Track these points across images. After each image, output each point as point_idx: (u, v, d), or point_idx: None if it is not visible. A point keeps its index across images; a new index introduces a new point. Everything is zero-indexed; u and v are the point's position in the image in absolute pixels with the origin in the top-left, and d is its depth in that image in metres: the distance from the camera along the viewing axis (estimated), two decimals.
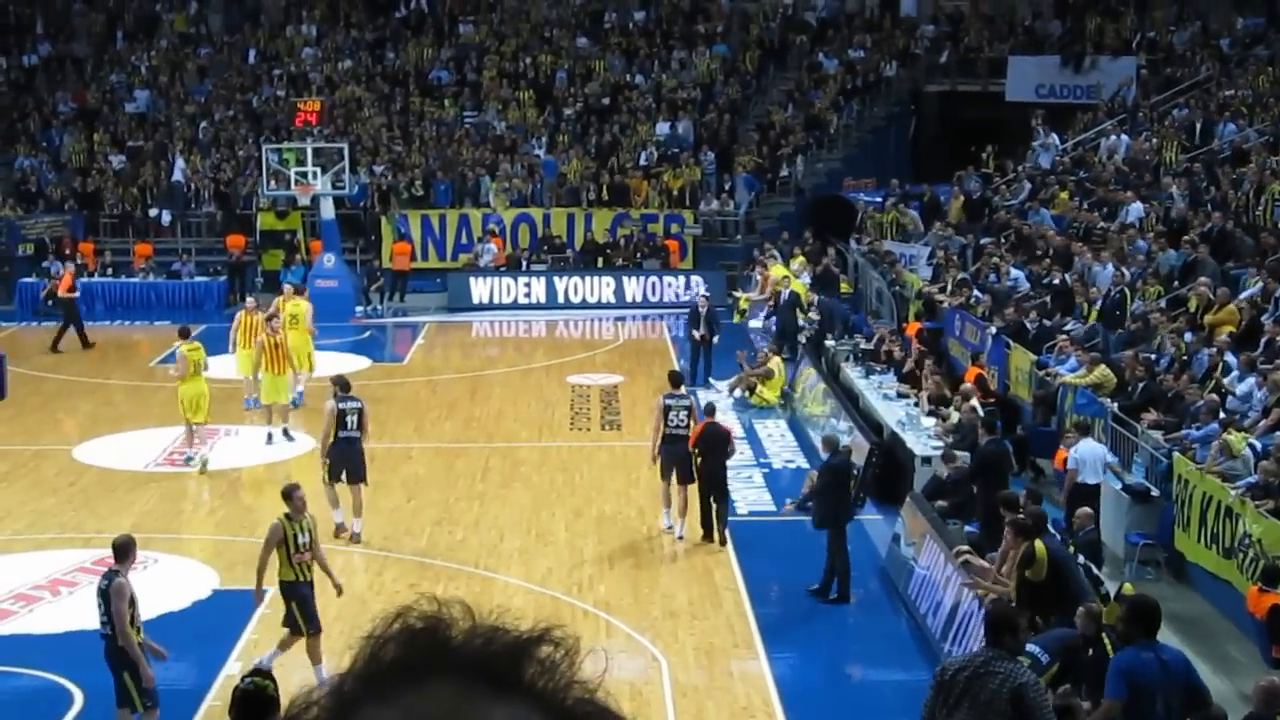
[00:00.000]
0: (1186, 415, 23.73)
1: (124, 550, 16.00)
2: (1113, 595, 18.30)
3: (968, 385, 26.72)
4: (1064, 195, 39.74)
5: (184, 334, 30.39)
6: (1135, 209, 35.53)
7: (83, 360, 40.38)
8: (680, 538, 23.88)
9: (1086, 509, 20.43)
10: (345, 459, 23.83)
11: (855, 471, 23.33)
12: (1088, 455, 22.75)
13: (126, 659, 15.55)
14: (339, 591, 18.59)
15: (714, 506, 23.94)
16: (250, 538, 24.16)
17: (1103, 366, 26.74)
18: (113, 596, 15.38)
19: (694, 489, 23.98)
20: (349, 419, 23.93)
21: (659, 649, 19.44)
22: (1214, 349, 25.24)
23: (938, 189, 46.29)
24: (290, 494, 18.15)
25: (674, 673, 18.71)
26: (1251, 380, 23.70)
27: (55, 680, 18.30)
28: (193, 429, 29.00)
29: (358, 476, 23.92)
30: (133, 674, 15.57)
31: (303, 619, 17.87)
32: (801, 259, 41.04)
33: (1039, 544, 17.40)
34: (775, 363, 33.87)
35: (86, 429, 31.70)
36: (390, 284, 47.00)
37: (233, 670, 18.70)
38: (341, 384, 25.10)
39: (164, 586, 21.78)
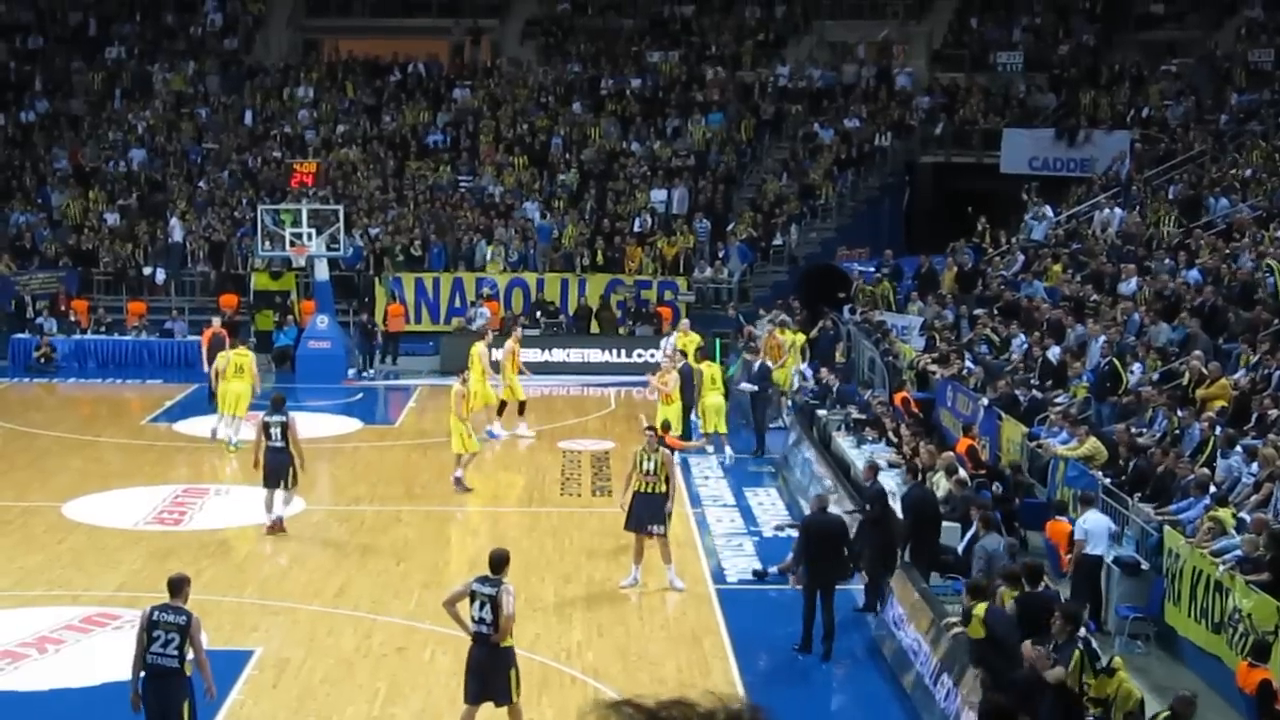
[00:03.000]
0: (1177, 491, 23.72)
1: (180, 585, 16.73)
2: (1102, 669, 18.27)
3: (948, 455, 26.62)
4: (1057, 268, 39.77)
5: (241, 344, 37.55)
6: (1130, 282, 35.58)
7: (73, 417, 40.38)
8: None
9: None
10: (273, 465, 27.61)
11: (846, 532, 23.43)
12: (1095, 527, 22.73)
13: (190, 688, 16.25)
14: None
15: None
16: (238, 598, 24.14)
17: (1093, 439, 26.74)
18: (193, 630, 16.18)
19: None
20: (273, 431, 27.73)
21: None
22: (1204, 424, 25.22)
23: (935, 260, 46.32)
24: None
25: None
26: (1236, 456, 23.68)
27: None
28: (233, 418, 34.83)
29: (281, 480, 27.75)
30: (193, 702, 16.27)
31: (517, 686, 17.63)
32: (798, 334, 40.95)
33: (980, 606, 17.90)
34: (673, 376, 34.20)
35: (76, 486, 31.59)
36: (382, 346, 47.13)
37: None
38: (275, 401, 28.65)
39: None
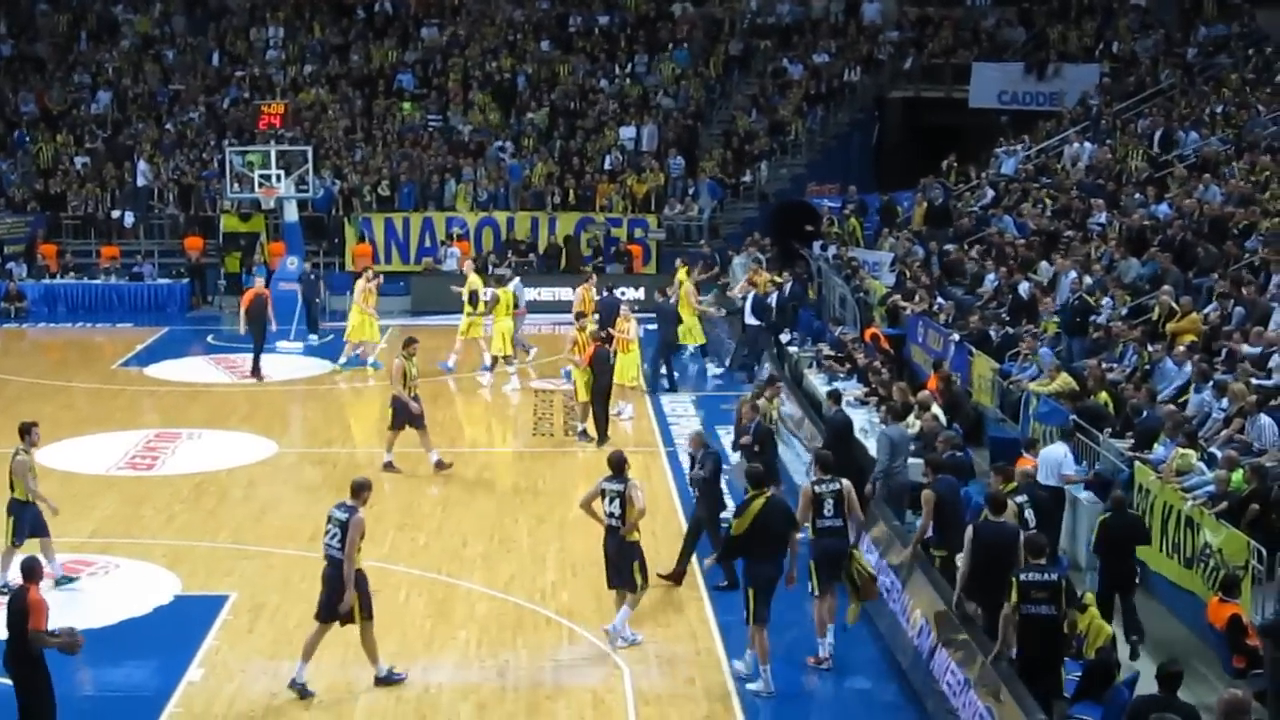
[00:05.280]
0: (1138, 429, 23.76)
1: (361, 488, 18.65)
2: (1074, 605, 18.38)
3: (925, 393, 26.72)
4: (1031, 203, 39.60)
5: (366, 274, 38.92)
6: (1099, 217, 35.60)
7: (43, 362, 40.30)
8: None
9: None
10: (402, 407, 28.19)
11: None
12: (1045, 458, 22.83)
13: (360, 581, 18.17)
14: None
15: (607, 415, 30.11)
16: (212, 542, 24.15)
17: (1064, 374, 26.79)
18: (352, 528, 17.95)
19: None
20: (412, 370, 28.32)
21: (621, 657, 19.42)
22: (1187, 363, 25.14)
23: (901, 195, 46.32)
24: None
25: (636, 681, 18.71)
26: (1207, 391, 23.70)
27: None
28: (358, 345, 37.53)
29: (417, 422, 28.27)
30: (364, 592, 18.21)
31: (642, 576, 19.87)
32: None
33: (759, 499, 18.75)
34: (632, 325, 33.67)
35: (48, 432, 31.26)
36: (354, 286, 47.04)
37: (194, 677, 18.65)
38: (406, 342, 29.23)
39: (125, 592, 21.72)
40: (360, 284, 38.15)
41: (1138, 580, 20.42)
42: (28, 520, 21.69)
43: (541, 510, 26.03)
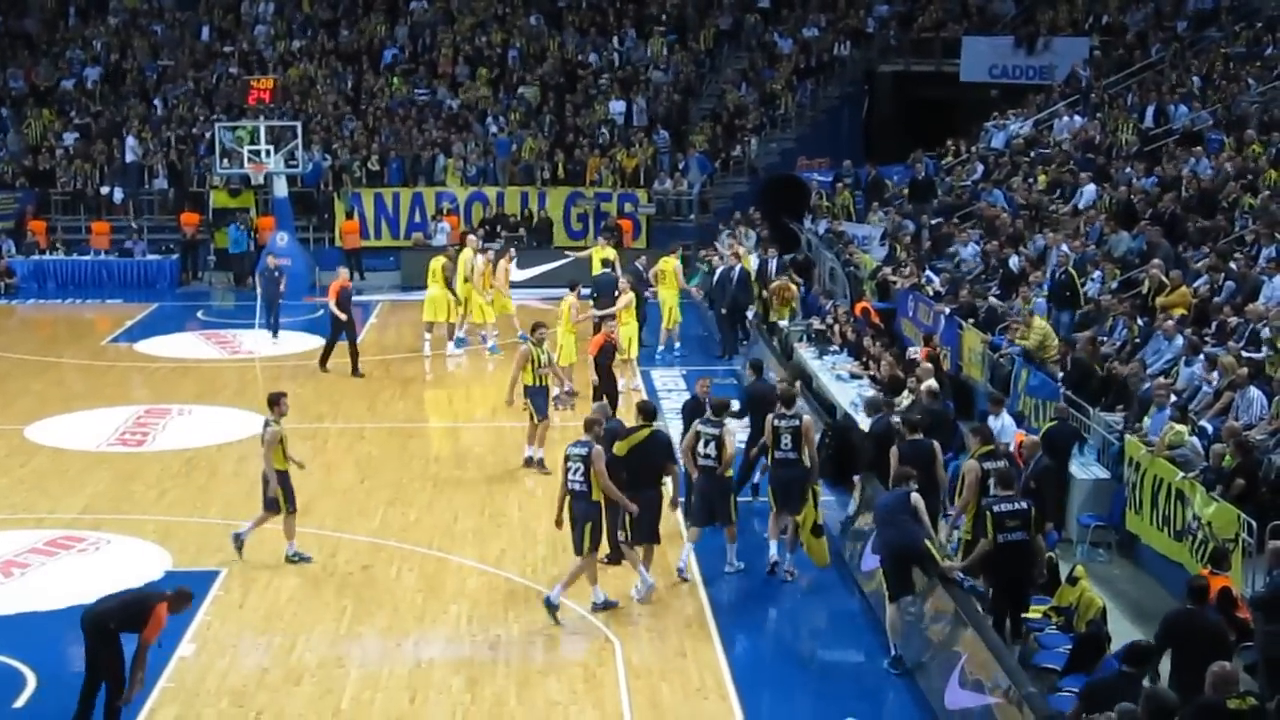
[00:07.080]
0: (1135, 401, 23.76)
1: (592, 424, 20.08)
2: (1064, 578, 18.44)
3: (925, 365, 26.66)
4: (1039, 175, 39.51)
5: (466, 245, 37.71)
6: (1089, 191, 35.58)
7: (33, 339, 40.26)
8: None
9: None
10: (536, 397, 26.91)
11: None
12: (1010, 428, 22.93)
13: (595, 512, 19.68)
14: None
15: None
16: (202, 518, 24.13)
17: (1038, 320, 26.96)
18: (594, 460, 19.51)
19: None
20: (541, 357, 26.89)
21: (612, 630, 19.44)
22: (1180, 336, 25.09)
23: (892, 169, 46.34)
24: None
25: (627, 654, 18.72)
26: (1198, 364, 23.69)
27: (7, 662, 18.19)
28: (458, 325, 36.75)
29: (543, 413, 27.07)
30: (595, 525, 19.66)
31: (736, 509, 21.63)
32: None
33: (645, 430, 20.71)
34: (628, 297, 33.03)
35: (38, 408, 31.49)
36: (345, 263, 47.07)
37: (186, 652, 18.65)
38: (534, 326, 27.66)
39: (116, 568, 21.67)
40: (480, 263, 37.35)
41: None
42: (290, 488, 21.97)
43: (532, 485, 26.02)
